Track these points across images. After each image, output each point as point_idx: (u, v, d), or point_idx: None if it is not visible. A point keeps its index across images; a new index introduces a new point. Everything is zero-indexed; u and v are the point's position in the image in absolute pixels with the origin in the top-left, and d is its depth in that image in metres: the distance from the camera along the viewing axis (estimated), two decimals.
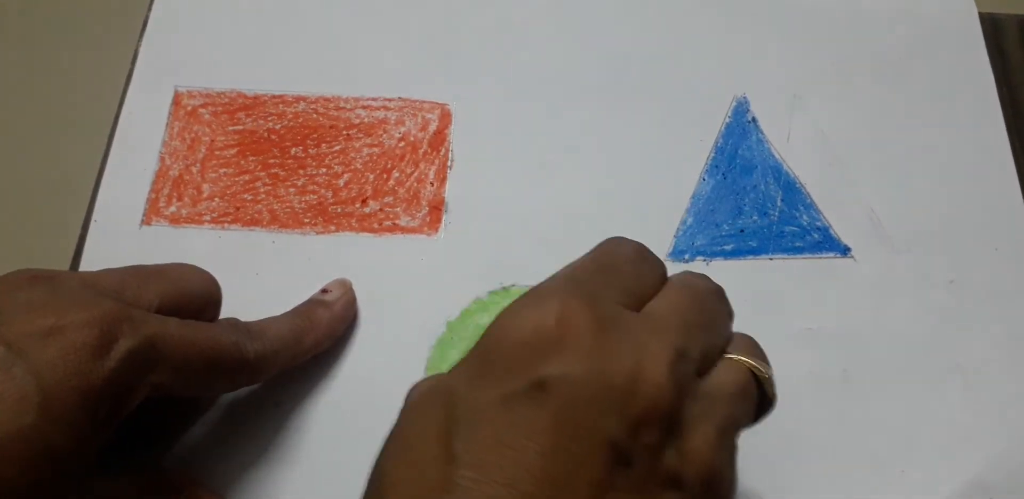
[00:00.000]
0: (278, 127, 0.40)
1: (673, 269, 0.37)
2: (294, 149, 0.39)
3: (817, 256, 0.38)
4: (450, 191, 0.39)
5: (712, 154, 0.40)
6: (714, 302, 0.24)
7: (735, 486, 0.22)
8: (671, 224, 0.38)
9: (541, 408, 0.19)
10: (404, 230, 0.38)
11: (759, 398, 0.24)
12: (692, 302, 0.23)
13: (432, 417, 0.20)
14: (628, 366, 0.20)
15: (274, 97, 0.41)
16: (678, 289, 0.24)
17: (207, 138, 0.40)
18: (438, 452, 0.19)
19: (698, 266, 0.37)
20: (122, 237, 0.37)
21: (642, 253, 0.25)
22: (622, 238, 0.25)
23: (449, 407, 0.20)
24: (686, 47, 0.42)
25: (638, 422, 0.20)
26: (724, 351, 0.23)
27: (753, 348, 0.24)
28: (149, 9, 0.43)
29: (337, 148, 0.40)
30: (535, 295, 0.22)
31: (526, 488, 0.18)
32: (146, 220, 0.38)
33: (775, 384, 0.24)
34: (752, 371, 0.23)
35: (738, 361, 0.23)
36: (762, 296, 0.37)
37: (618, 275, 0.23)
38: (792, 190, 0.39)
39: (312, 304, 0.34)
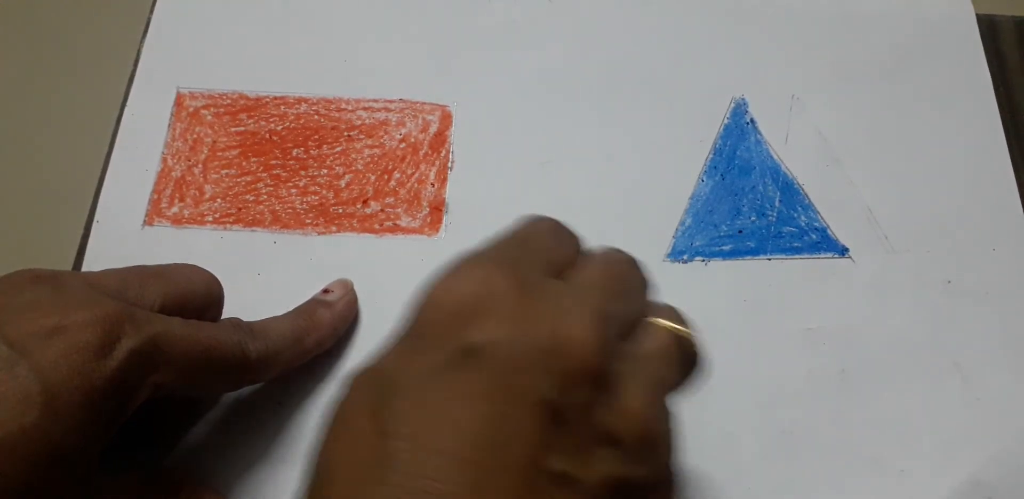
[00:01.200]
0: (280, 128, 0.40)
1: (672, 269, 0.37)
2: (296, 150, 0.40)
3: (815, 256, 0.38)
4: (451, 192, 0.39)
5: (711, 155, 0.40)
6: (629, 271, 0.25)
7: (673, 447, 0.22)
8: (670, 225, 0.38)
9: (471, 374, 0.20)
10: (405, 230, 0.38)
11: (688, 360, 0.24)
12: (608, 271, 0.24)
13: (363, 396, 0.20)
14: (553, 327, 0.20)
15: (276, 98, 0.41)
16: (594, 260, 0.24)
17: (209, 139, 0.40)
18: (371, 428, 0.19)
19: (697, 266, 0.38)
20: (124, 237, 0.38)
21: (558, 227, 0.25)
22: (539, 215, 0.26)
23: (379, 385, 0.20)
24: (685, 48, 0.43)
25: (568, 380, 0.20)
26: (644, 317, 0.24)
27: (674, 313, 0.25)
28: (151, 10, 0.43)
29: (338, 149, 0.40)
30: (455, 267, 0.22)
31: (463, 454, 0.18)
32: (148, 220, 0.38)
33: (700, 345, 0.24)
34: (673, 334, 0.24)
35: (658, 324, 0.24)
36: (760, 296, 0.37)
37: (537, 247, 0.24)
38: (790, 191, 0.39)
39: (314, 304, 0.34)
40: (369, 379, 0.21)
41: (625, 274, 0.25)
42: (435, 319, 0.21)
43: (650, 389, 0.21)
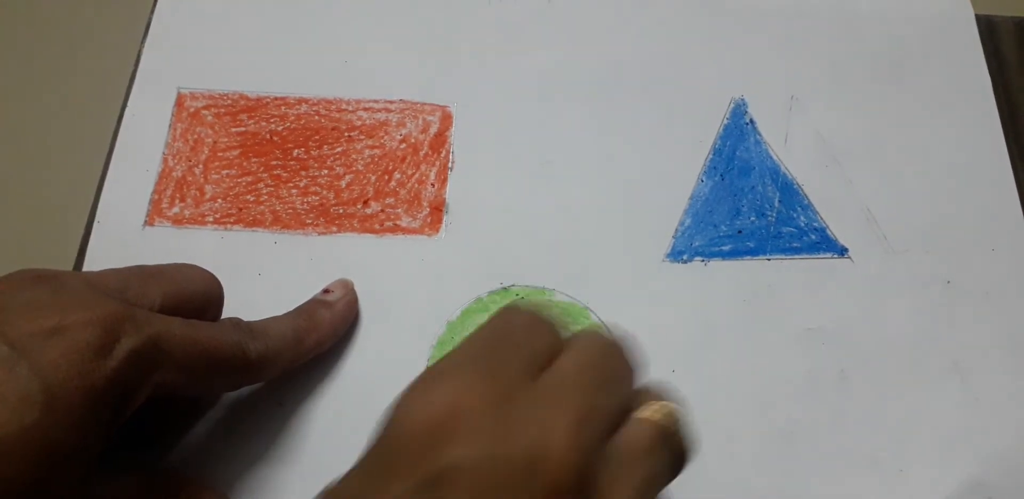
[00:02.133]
0: (280, 129, 0.40)
1: (672, 269, 0.38)
2: (296, 151, 0.40)
3: (814, 257, 0.38)
4: (451, 192, 0.39)
5: (710, 155, 0.40)
6: (614, 358, 0.24)
7: None
8: (669, 225, 0.38)
9: None
10: (405, 231, 0.38)
11: (677, 453, 0.23)
12: (591, 361, 0.23)
13: None
14: (528, 441, 0.19)
15: (276, 99, 0.41)
16: (576, 351, 0.23)
17: (210, 139, 0.40)
18: None
19: (696, 266, 0.38)
20: (125, 238, 0.38)
21: (535, 319, 0.24)
22: (515, 307, 0.25)
23: None
24: (684, 49, 0.43)
25: (549, 496, 0.19)
26: (631, 408, 0.23)
27: (663, 397, 0.23)
28: (152, 11, 0.43)
29: (339, 150, 0.40)
30: (427, 379, 0.21)
31: None
32: (149, 221, 0.38)
33: (689, 434, 0.23)
34: (661, 425, 0.22)
35: (646, 417, 0.22)
36: (760, 297, 0.37)
37: (513, 345, 0.23)
38: (790, 191, 0.39)
39: (314, 304, 0.34)
40: None
41: (609, 363, 0.23)
42: (404, 439, 0.20)
43: (640, 492, 0.21)
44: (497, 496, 0.19)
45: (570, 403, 0.21)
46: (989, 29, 0.44)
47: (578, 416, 0.20)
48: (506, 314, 0.24)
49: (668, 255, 0.38)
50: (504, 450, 0.19)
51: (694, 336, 0.36)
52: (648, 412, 0.22)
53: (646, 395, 0.23)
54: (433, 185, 0.39)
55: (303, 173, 0.39)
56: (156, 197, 0.38)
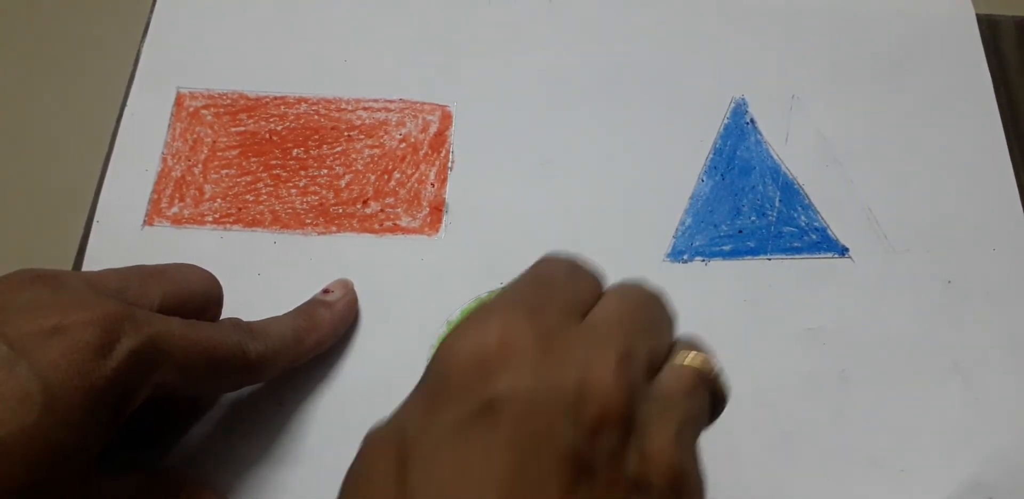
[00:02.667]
0: (280, 128, 0.40)
1: (672, 269, 0.38)
2: (296, 150, 0.40)
3: (815, 256, 0.38)
4: (450, 192, 0.39)
5: (711, 155, 0.40)
6: (653, 307, 0.24)
7: (703, 487, 0.22)
8: (670, 225, 0.38)
9: (494, 428, 0.19)
10: (405, 231, 0.38)
11: (714, 397, 0.24)
12: (631, 308, 0.23)
13: (384, 456, 0.20)
14: (575, 374, 0.20)
15: (276, 98, 0.41)
16: (617, 297, 0.24)
17: (209, 139, 0.40)
18: (395, 490, 0.19)
19: (697, 266, 0.38)
20: (124, 237, 0.38)
21: (576, 266, 0.25)
22: (556, 253, 0.25)
23: (400, 443, 0.20)
24: (685, 48, 0.43)
25: (594, 427, 0.20)
26: (669, 354, 0.23)
27: (698, 347, 0.24)
28: (151, 10, 0.43)
29: (338, 149, 0.40)
30: (475, 317, 0.22)
31: None
32: (148, 220, 0.38)
33: (726, 380, 0.24)
34: (699, 371, 0.23)
35: (684, 362, 0.23)
36: (760, 296, 0.37)
37: (555, 288, 0.23)
38: (790, 191, 0.39)
39: (314, 304, 0.34)
40: (389, 437, 0.21)
41: (648, 311, 0.24)
42: (455, 371, 0.21)
43: (678, 431, 0.21)
44: (545, 425, 0.19)
45: (614, 341, 0.21)
46: (990, 28, 0.44)
47: (622, 354, 0.21)
48: (547, 260, 0.25)
49: (668, 255, 0.38)
50: (552, 382, 0.20)
51: None
52: (686, 359, 0.23)
53: (682, 344, 0.24)
54: (433, 185, 0.39)
55: (303, 173, 0.39)
56: (155, 197, 0.38)
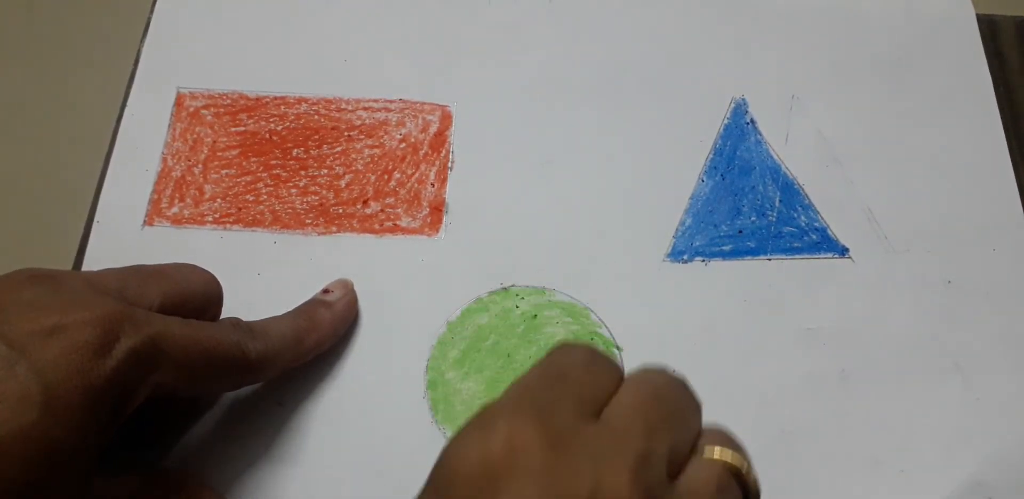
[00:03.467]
0: (280, 128, 0.40)
1: (672, 269, 0.37)
2: (296, 150, 0.40)
3: (815, 256, 0.38)
4: (451, 192, 0.39)
5: (711, 155, 0.40)
6: (677, 395, 0.23)
7: None
8: (670, 225, 0.38)
9: None
10: (405, 231, 0.38)
11: (743, 492, 0.22)
12: (652, 399, 0.22)
13: None
14: (588, 482, 0.19)
15: (276, 98, 0.41)
16: (636, 387, 0.22)
17: (209, 139, 0.40)
18: None
19: (697, 266, 0.38)
20: (124, 237, 0.38)
21: (592, 356, 0.23)
22: (571, 343, 0.24)
23: None
24: (685, 48, 0.43)
25: None
26: (695, 447, 0.22)
27: (727, 439, 0.23)
28: (151, 10, 0.43)
29: (338, 149, 0.40)
30: (481, 419, 0.21)
31: None
32: (148, 221, 0.38)
33: (757, 475, 0.22)
34: (728, 466, 0.22)
35: (712, 457, 0.22)
36: (760, 297, 0.37)
37: (569, 384, 0.22)
38: (790, 191, 0.39)
39: (314, 304, 0.34)
40: None
41: (671, 401, 0.22)
42: (459, 481, 0.19)
43: None
44: None
45: (631, 444, 0.20)
46: (990, 29, 0.44)
47: (639, 458, 0.20)
48: (562, 351, 0.23)
49: (668, 255, 0.38)
50: (563, 492, 0.19)
51: (694, 336, 0.36)
52: (715, 452, 0.22)
53: (709, 436, 0.23)
54: (433, 185, 0.39)
55: (303, 173, 0.39)
56: (155, 197, 0.38)
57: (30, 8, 1.18)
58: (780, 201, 0.39)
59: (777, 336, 0.36)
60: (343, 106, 0.41)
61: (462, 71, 0.42)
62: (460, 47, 0.42)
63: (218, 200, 0.38)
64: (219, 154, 0.39)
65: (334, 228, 0.38)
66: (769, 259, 0.38)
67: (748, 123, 0.41)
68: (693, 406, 0.23)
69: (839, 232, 0.38)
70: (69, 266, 0.37)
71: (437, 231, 0.38)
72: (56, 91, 1.13)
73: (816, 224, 0.39)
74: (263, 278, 0.37)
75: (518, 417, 0.20)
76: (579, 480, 0.19)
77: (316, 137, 0.40)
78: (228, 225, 0.38)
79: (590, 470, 0.19)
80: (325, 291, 0.35)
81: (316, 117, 0.40)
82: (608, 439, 0.20)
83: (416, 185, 0.39)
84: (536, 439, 0.19)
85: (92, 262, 0.37)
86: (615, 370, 0.23)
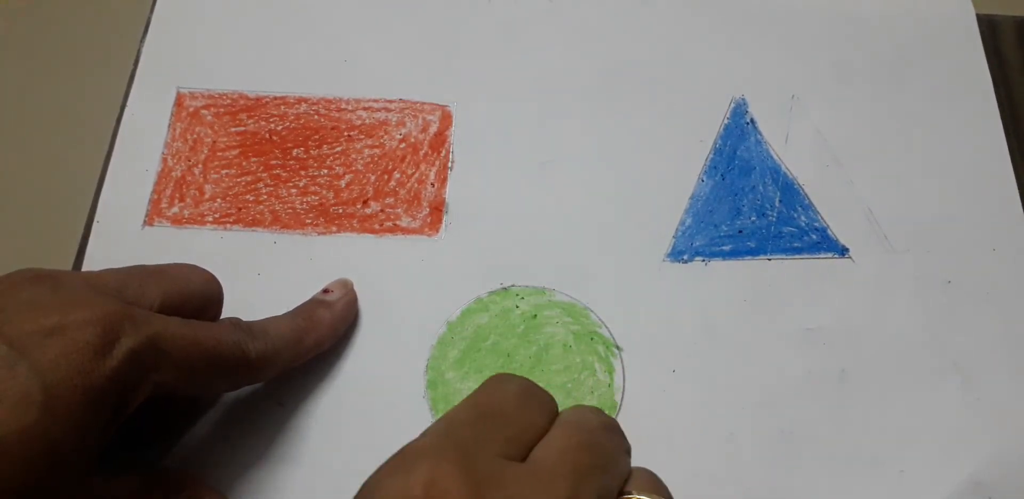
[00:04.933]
0: (280, 128, 0.40)
1: (672, 269, 0.38)
2: (296, 150, 0.40)
3: (815, 256, 0.38)
4: (451, 192, 0.39)
5: (711, 155, 0.40)
6: (607, 438, 0.22)
7: None
8: (670, 225, 0.38)
9: None
10: (405, 231, 0.38)
11: None
12: (582, 441, 0.21)
13: None
14: None
15: (276, 98, 0.41)
16: (566, 429, 0.22)
17: (209, 139, 0.40)
18: None
19: (697, 266, 0.38)
20: (124, 237, 0.38)
21: (527, 392, 0.23)
22: (506, 376, 0.23)
23: None
24: (685, 48, 0.43)
25: None
26: (622, 491, 0.22)
27: (653, 483, 0.22)
28: (151, 10, 0.43)
29: (338, 149, 0.40)
30: (403, 458, 0.20)
31: None
32: (148, 221, 0.38)
33: None
34: None
35: (641, 497, 0.21)
36: (760, 297, 0.37)
37: (499, 421, 0.21)
38: (790, 191, 0.39)
39: (313, 304, 0.34)
40: None
41: (601, 444, 0.22)
42: None
43: None
44: None
45: (558, 485, 0.20)
46: (990, 29, 0.44)
47: None
48: (496, 383, 0.23)
49: (668, 255, 0.38)
50: None
51: (694, 336, 0.36)
52: (643, 494, 0.21)
53: (639, 480, 0.22)
54: (433, 185, 0.39)
55: (303, 173, 0.39)
56: (155, 197, 0.38)
57: (30, 8, 1.18)
58: (780, 201, 0.39)
59: (777, 336, 0.36)
60: (343, 106, 0.41)
61: (462, 71, 0.42)
62: (460, 47, 0.42)
63: (218, 200, 0.38)
64: (219, 154, 0.39)
65: (334, 228, 0.38)
66: (769, 259, 0.38)
67: (748, 123, 0.41)
68: (622, 450, 0.23)
69: (839, 232, 0.38)
70: (69, 266, 0.37)
71: (437, 231, 0.38)
72: (56, 91, 1.13)
73: (816, 224, 0.39)
74: (263, 278, 0.37)
75: (441, 458, 0.19)
76: None
77: (316, 137, 0.40)
78: (228, 225, 0.38)
79: None
80: (325, 291, 0.35)
81: (316, 117, 0.40)
82: (533, 483, 0.20)
83: (416, 185, 0.39)
84: (457, 482, 0.19)
85: (92, 262, 0.37)
86: (549, 406, 0.23)
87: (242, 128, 0.40)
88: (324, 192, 0.39)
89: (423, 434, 0.21)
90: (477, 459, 0.20)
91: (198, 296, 0.30)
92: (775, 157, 0.40)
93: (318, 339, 0.33)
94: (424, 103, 0.41)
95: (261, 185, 0.39)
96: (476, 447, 0.20)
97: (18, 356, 0.24)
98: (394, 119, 0.40)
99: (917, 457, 0.34)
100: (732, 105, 0.41)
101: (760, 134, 0.41)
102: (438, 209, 0.38)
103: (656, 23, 0.43)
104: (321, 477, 0.33)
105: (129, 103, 0.41)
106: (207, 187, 0.39)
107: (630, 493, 0.21)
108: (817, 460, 0.34)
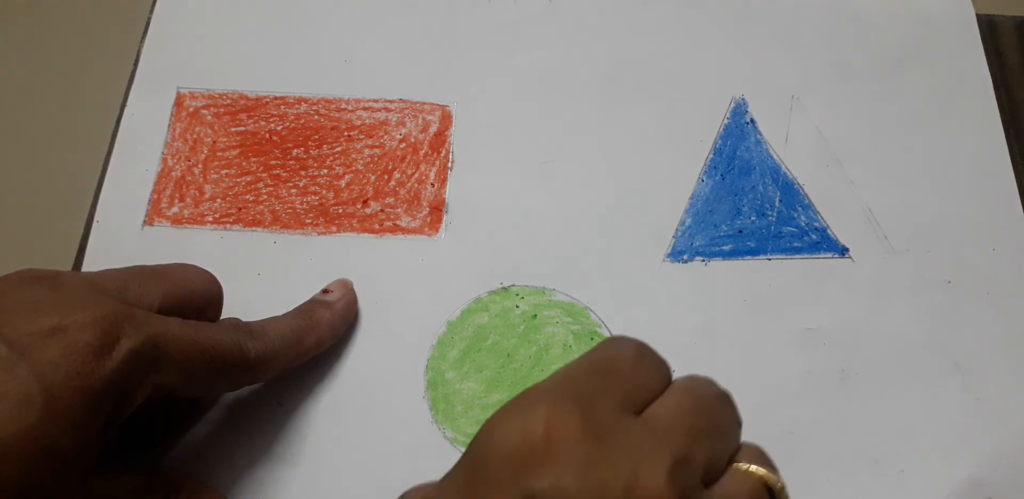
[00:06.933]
0: (280, 128, 0.40)
1: (672, 269, 0.38)
2: (296, 150, 0.40)
3: (815, 256, 0.38)
4: (450, 192, 0.39)
5: (711, 155, 0.40)
6: (721, 407, 0.23)
7: None
8: (670, 225, 0.38)
9: None
10: (405, 231, 0.38)
11: None
12: (696, 406, 0.22)
13: None
14: (624, 476, 0.19)
15: (276, 98, 0.41)
16: (682, 392, 0.22)
17: (209, 139, 0.40)
18: None
19: (697, 266, 0.38)
20: (124, 238, 0.38)
21: (643, 352, 0.23)
22: (622, 337, 0.23)
23: None
24: (685, 49, 0.43)
25: None
26: (732, 460, 0.22)
27: (763, 457, 0.22)
28: (151, 10, 0.43)
29: (338, 149, 0.40)
30: (524, 399, 0.20)
31: None
32: (148, 221, 0.38)
33: (788, 496, 0.22)
34: (764, 482, 0.21)
35: (748, 471, 0.21)
36: (760, 296, 0.37)
37: (615, 378, 0.22)
38: (790, 191, 0.39)
39: (313, 304, 0.34)
40: None
41: (714, 411, 0.22)
42: (496, 460, 0.19)
43: None
44: None
45: (672, 443, 0.20)
46: (990, 29, 0.44)
47: (677, 457, 0.19)
48: (613, 343, 0.23)
49: (668, 255, 0.38)
50: (599, 480, 0.19)
51: (694, 336, 0.36)
52: (752, 468, 0.21)
53: (748, 450, 0.22)
54: (433, 185, 0.39)
55: (303, 173, 0.39)
56: (155, 197, 0.38)
57: (30, 8, 1.18)
58: (780, 201, 0.39)
59: (777, 336, 0.36)
60: (343, 106, 0.41)
61: (462, 71, 0.42)
62: (460, 47, 0.42)
63: (218, 200, 0.38)
64: (219, 154, 0.39)
65: (334, 228, 0.38)
66: (769, 259, 0.38)
67: (748, 123, 0.41)
68: (735, 421, 0.23)
69: (839, 232, 0.38)
70: (69, 266, 0.37)
71: (437, 231, 0.38)
72: (56, 91, 1.13)
73: (816, 224, 0.39)
74: (263, 278, 0.37)
75: (561, 403, 0.20)
76: (615, 473, 0.19)
77: (316, 137, 0.40)
78: (228, 225, 0.38)
79: (628, 465, 0.19)
80: (325, 291, 0.35)
81: (316, 117, 0.40)
82: (648, 437, 0.20)
83: (416, 185, 0.39)
84: (577, 427, 0.19)
85: (92, 262, 0.37)
86: (663, 370, 0.23)
87: (242, 128, 0.40)
88: (324, 192, 0.39)
89: (544, 380, 0.21)
90: (595, 408, 0.20)
91: (198, 296, 0.30)
92: (775, 157, 0.40)
93: (318, 339, 0.33)
94: (424, 103, 0.41)
95: (261, 185, 0.39)
96: (594, 397, 0.20)
97: (18, 357, 0.24)
98: (394, 119, 0.40)
99: (917, 457, 0.34)
100: (732, 105, 0.41)
101: (760, 134, 0.41)
102: (438, 209, 0.38)
103: (656, 23, 0.43)
104: (321, 477, 0.33)
105: (129, 103, 0.41)
106: (207, 187, 0.39)
107: (740, 463, 0.22)
108: (817, 460, 0.34)
